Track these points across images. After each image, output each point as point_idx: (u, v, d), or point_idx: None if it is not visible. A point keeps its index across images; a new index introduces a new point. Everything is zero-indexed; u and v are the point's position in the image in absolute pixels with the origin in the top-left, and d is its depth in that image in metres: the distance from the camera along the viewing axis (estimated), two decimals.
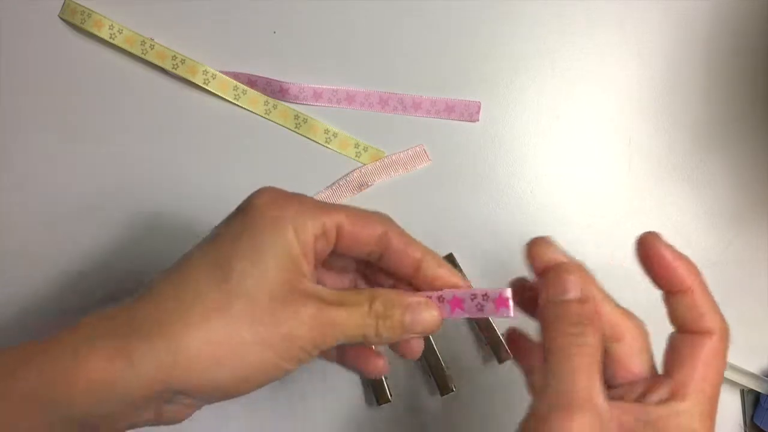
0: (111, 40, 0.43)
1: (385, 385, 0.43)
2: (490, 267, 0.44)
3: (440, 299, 0.30)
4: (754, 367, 0.44)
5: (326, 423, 0.43)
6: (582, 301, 0.28)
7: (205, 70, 0.44)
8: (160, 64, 0.43)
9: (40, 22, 0.44)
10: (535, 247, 0.30)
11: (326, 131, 0.44)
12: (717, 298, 0.45)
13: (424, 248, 0.30)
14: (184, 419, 0.29)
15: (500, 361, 0.43)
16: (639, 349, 0.30)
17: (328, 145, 0.44)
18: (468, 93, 0.45)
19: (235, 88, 0.44)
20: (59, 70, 0.44)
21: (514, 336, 0.33)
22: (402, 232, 0.30)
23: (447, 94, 0.45)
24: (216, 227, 0.29)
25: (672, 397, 0.28)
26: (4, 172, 0.44)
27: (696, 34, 0.46)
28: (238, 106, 0.44)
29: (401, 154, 0.45)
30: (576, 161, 0.45)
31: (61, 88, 0.44)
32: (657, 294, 0.31)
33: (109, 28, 0.43)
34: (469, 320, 0.44)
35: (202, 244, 0.28)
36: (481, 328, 0.43)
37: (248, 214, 0.28)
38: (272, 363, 0.27)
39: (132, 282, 0.43)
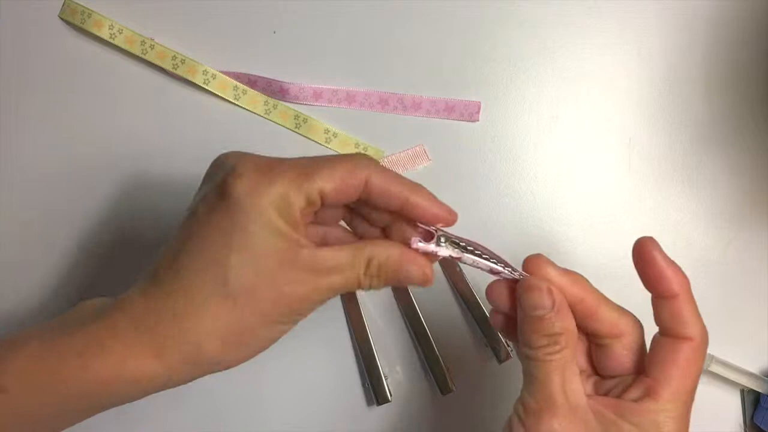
0: (111, 40, 0.43)
1: (385, 385, 0.43)
2: None
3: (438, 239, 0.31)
4: (754, 367, 0.44)
5: (326, 423, 0.43)
6: (555, 312, 0.30)
7: (205, 70, 0.44)
8: (160, 64, 0.43)
9: (40, 22, 0.44)
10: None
11: (326, 131, 0.44)
12: (717, 298, 0.45)
13: (409, 184, 0.30)
14: None
15: (500, 361, 0.43)
16: (634, 346, 0.32)
17: (328, 145, 0.44)
18: (468, 93, 0.45)
19: (235, 88, 0.44)
20: (59, 70, 0.44)
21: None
22: (384, 173, 0.30)
23: (447, 94, 0.45)
24: (198, 206, 0.29)
25: (646, 395, 0.30)
26: (5, 172, 0.44)
27: (696, 34, 0.46)
28: (238, 106, 0.44)
29: (401, 154, 0.45)
30: (576, 161, 0.45)
31: (61, 88, 0.44)
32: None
33: (109, 28, 0.43)
34: (470, 320, 0.44)
35: (194, 234, 0.29)
36: (483, 328, 0.43)
37: (231, 206, 0.28)
38: (277, 330, 0.30)
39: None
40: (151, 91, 0.44)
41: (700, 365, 0.31)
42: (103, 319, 0.29)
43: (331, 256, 0.30)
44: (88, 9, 0.43)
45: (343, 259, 0.30)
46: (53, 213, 0.44)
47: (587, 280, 0.32)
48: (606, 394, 0.31)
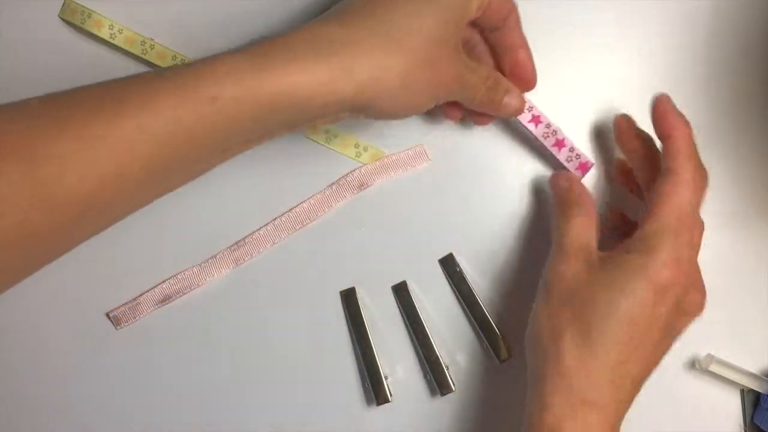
0: (111, 40, 0.43)
1: (385, 385, 0.43)
2: (490, 267, 0.44)
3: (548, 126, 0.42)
4: (754, 367, 0.44)
5: (326, 423, 0.43)
6: (574, 185, 0.40)
7: None
8: (160, 64, 0.43)
9: (40, 22, 0.44)
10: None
11: (326, 131, 0.44)
12: (717, 297, 0.45)
13: (523, 37, 0.39)
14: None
15: (500, 361, 0.43)
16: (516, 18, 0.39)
17: (329, 145, 0.44)
18: None
19: None
20: (59, 70, 0.44)
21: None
22: (518, 19, 0.39)
23: None
24: None
25: (644, 222, 0.36)
26: None
27: (696, 34, 0.46)
28: None
29: (401, 154, 0.45)
30: None
31: (61, 88, 0.44)
32: None
33: (109, 28, 0.43)
34: (470, 320, 0.44)
35: None
36: (482, 328, 0.43)
37: None
38: (423, 97, 0.35)
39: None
40: None
41: (684, 200, 0.36)
42: (302, 35, 0.33)
43: (475, 62, 0.38)
44: (88, 9, 0.43)
45: (475, 65, 0.37)
46: None
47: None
48: None
